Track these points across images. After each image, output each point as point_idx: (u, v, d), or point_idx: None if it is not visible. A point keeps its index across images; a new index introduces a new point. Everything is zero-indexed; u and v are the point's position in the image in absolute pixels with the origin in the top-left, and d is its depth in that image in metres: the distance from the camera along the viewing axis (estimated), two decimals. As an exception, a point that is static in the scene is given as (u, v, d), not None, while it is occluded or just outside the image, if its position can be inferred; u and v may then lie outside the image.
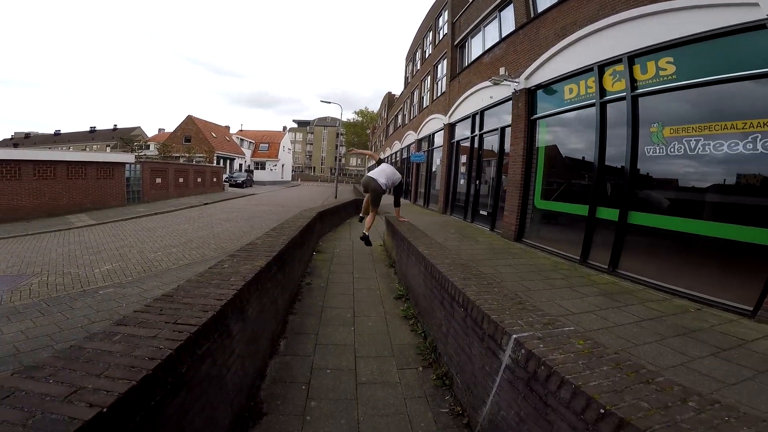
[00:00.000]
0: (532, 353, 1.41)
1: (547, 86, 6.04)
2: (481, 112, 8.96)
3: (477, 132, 9.19)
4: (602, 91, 4.73)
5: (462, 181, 10.16)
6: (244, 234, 10.01)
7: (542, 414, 1.44)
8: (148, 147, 31.70)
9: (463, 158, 10.26)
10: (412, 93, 19.10)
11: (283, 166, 46.38)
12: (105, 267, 6.76)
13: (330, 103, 28.22)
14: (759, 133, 3.07)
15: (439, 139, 12.72)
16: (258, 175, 38.84)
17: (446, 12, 13.08)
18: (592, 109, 4.88)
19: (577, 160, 5.46)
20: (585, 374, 1.30)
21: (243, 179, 30.14)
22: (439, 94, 13.47)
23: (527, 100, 6.48)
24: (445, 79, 12.54)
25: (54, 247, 8.39)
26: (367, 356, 2.82)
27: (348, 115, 78.95)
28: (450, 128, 11.24)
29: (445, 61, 12.64)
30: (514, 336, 1.51)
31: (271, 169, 42.92)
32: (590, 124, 4.94)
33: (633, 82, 4.26)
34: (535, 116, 6.41)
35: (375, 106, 58.21)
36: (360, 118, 61.23)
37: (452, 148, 11.04)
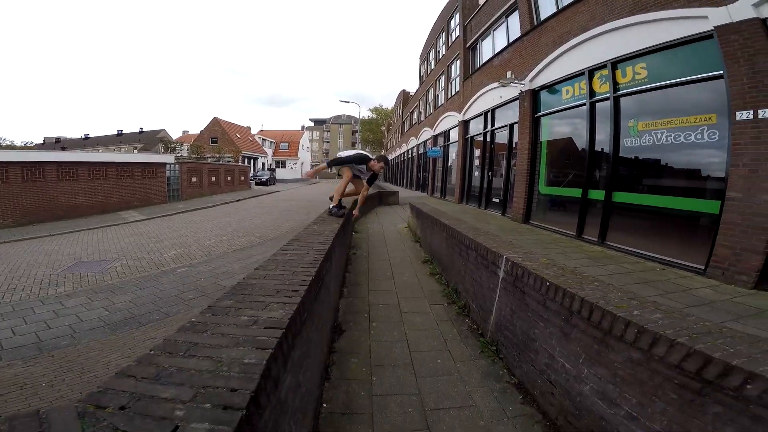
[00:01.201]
0: (515, 263, 2.46)
1: (549, 87, 6.96)
2: (492, 110, 9.88)
3: (489, 128, 10.13)
4: (592, 93, 5.66)
5: (476, 173, 11.11)
6: (280, 224, 11.25)
7: (522, 300, 2.49)
8: (175, 149, 33.70)
9: (477, 152, 11.19)
10: (427, 91, 19.98)
11: (302, 164, 48.25)
12: (171, 252, 8.05)
13: (349, 102, 29.70)
14: (705, 126, 3.98)
15: (454, 135, 13.66)
16: (280, 173, 40.74)
17: (458, 14, 13.91)
18: (584, 108, 5.80)
19: (574, 151, 6.37)
20: (542, 270, 2.34)
21: (267, 177, 32.13)
22: (453, 93, 14.38)
23: (531, 99, 7.41)
24: (458, 78, 13.45)
25: (120, 238, 9.79)
26: (406, 297, 3.91)
27: (363, 113, 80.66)
28: (464, 125, 12.17)
29: (458, 62, 13.52)
30: (505, 256, 2.56)
31: (292, 167, 44.89)
32: (583, 121, 5.86)
33: (615, 85, 5.18)
34: (538, 114, 7.34)
35: (389, 103, 58.92)
36: (375, 116, 62.06)
37: (467, 143, 11.98)
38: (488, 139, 10.20)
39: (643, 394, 1.57)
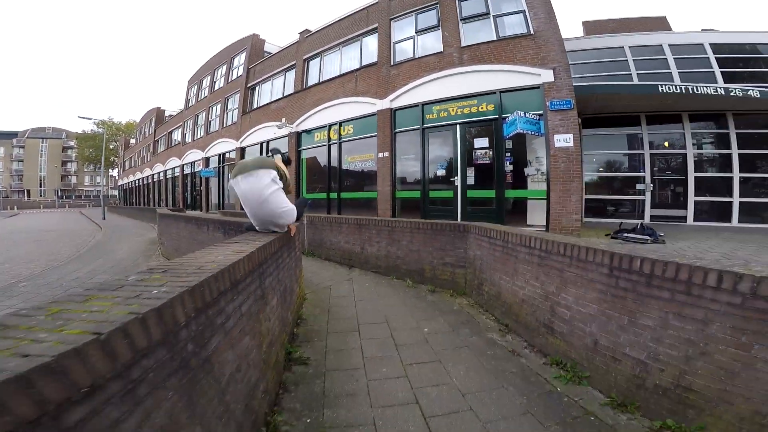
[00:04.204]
0: (307, 216, 6.93)
1: (308, 132, 12.30)
2: (268, 142, 14.46)
3: (265, 155, 14.62)
4: (329, 138, 11.27)
5: (254, 190, 15.20)
6: (56, 251, 11.41)
7: (315, 228, 6.96)
8: None
9: (254, 173, 15.35)
10: (197, 115, 22.41)
11: None
12: None
13: (91, 119, 27.22)
14: (370, 160, 10.05)
15: (232, 157, 17.26)
16: None
17: (243, 55, 17.80)
18: (325, 147, 11.35)
19: (321, 170, 11.80)
20: (313, 216, 6.90)
21: None
22: (230, 122, 18.04)
23: (297, 138, 12.56)
24: (236, 111, 17.38)
25: None
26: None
27: (83, 125, 68.23)
28: (241, 150, 16.11)
29: (238, 96, 17.46)
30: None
31: None
32: (325, 155, 11.38)
33: (340, 135, 10.93)
34: (300, 148, 12.54)
35: (117, 117, 54.46)
36: (101, 130, 55.21)
37: (244, 165, 15.93)
38: (265, 162, 14.64)
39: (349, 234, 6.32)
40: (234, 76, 18.65)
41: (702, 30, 10.67)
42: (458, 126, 8.55)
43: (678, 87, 8.00)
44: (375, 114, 10.08)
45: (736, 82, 9.32)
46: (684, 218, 9.66)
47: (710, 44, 9.86)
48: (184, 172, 23.20)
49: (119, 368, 0.81)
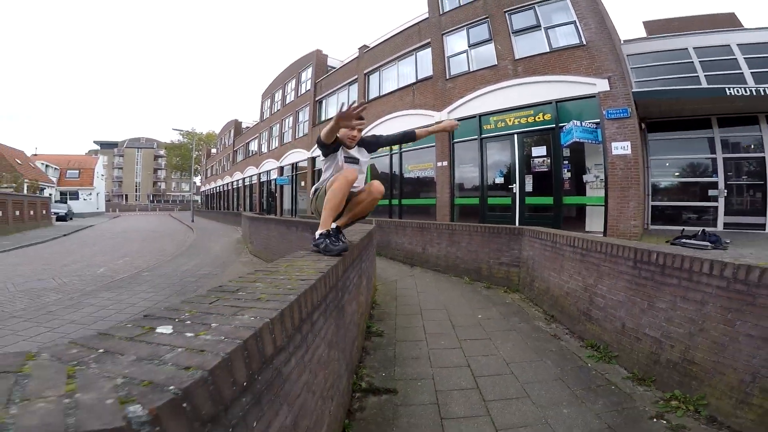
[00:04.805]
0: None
1: (372, 142, 13.42)
2: (336, 151, 15.87)
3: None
4: (391, 149, 12.24)
5: (323, 195, 16.81)
6: (161, 248, 13.64)
7: (381, 230, 7.99)
8: None
9: (323, 180, 16.95)
10: (271, 127, 24.70)
11: (98, 194, 44.52)
12: (100, 270, 9.69)
13: (181, 130, 31.40)
14: (429, 168, 10.83)
15: (303, 166, 18.99)
16: (73, 206, 36.84)
17: (310, 70, 19.63)
18: (387, 157, 12.32)
19: (383, 178, 12.80)
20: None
21: (65, 212, 29.67)
22: (301, 134, 19.84)
23: (363, 148, 13.73)
24: (307, 123, 19.12)
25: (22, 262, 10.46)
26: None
27: (170, 136, 77.72)
28: (312, 160, 17.74)
29: (308, 109, 19.21)
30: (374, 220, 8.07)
31: (85, 199, 41.03)
32: (387, 164, 12.36)
33: (400, 146, 11.85)
34: (366, 157, 13.69)
35: (200, 128, 61.50)
36: (186, 140, 61.79)
37: (315, 174, 17.52)
38: (332, 170, 16.07)
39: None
40: (302, 90, 20.45)
41: (778, 25, 10.01)
42: (516, 135, 9.05)
43: (748, 89, 7.80)
44: (435, 122, 10.83)
45: (823, 79, 8.76)
46: (762, 226, 9.19)
47: (785, 41, 9.31)
48: (261, 180, 25.64)
49: (325, 295, 1.69)
